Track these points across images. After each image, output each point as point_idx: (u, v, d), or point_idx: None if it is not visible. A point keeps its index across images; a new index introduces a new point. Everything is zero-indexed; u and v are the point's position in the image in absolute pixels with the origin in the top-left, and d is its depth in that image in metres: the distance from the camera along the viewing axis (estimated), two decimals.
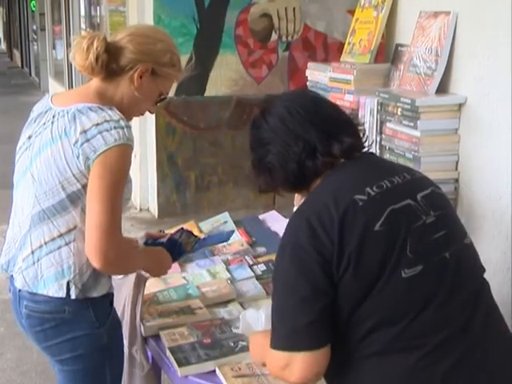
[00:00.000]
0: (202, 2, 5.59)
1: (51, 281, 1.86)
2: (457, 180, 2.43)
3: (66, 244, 1.86)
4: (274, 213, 3.12)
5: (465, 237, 1.66)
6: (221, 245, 2.70)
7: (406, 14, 2.79)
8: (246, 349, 2.01)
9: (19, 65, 21.07)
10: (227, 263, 2.63)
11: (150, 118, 5.59)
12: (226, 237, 2.50)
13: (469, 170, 2.39)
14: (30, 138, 1.95)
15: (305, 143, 1.64)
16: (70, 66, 9.54)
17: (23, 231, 1.92)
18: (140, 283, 2.20)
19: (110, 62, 1.89)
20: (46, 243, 1.87)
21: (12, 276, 1.97)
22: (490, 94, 2.30)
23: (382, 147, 2.59)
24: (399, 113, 2.44)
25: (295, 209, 1.74)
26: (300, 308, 1.52)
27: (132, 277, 2.20)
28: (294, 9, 5.82)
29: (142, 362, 2.14)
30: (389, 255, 1.50)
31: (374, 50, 2.80)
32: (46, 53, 13.14)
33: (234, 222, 2.97)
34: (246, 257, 2.67)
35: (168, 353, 2.03)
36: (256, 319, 2.10)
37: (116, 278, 2.41)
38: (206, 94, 5.73)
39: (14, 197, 2.00)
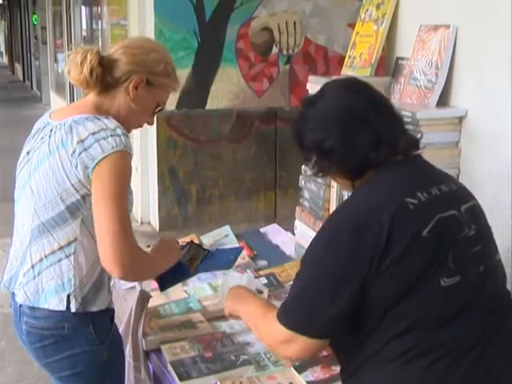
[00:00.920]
0: (203, 16, 5.61)
1: (52, 294, 1.86)
2: None
3: (67, 257, 1.85)
4: (275, 226, 3.10)
5: (496, 253, 1.68)
6: None
7: (406, 28, 2.81)
8: (247, 363, 2.00)
9: (21, 78, 21.15)
10: None
11: (151, 131, 5.60)
12: (233, 257, 2.38)
13: (469, 183, 2.38)
14: (28, 153, 1.95)
15: (374, 133, 1.61)
16: None
17: (24, 246, 1.92)
18: (144, 299, 2.20)
19: (104, 75, 1.90)
20: (46, 256, 1.87)
21: (13, 292, 1.96)
22: (491, 106, 2.30)
23: None
24: None
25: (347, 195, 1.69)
26: (323, 299, 1.52)
27: (137, 290, 2.20)
28: (294, 22, 5.84)
29: (145, 378, 2.13)
30: (431, 262, 1.50)
31: (374, 64, 2.81)
32: (47, 66, 13.17)
33: (236, 236, 2.96)
34: (248, 270, 2.66)
35: (169, 367, 2.03)
36: (238, 283, 2.11)
37: (122, 288, 2.40)
38: (207, 107, 5.73)
39: (15, 213, 2.00)
